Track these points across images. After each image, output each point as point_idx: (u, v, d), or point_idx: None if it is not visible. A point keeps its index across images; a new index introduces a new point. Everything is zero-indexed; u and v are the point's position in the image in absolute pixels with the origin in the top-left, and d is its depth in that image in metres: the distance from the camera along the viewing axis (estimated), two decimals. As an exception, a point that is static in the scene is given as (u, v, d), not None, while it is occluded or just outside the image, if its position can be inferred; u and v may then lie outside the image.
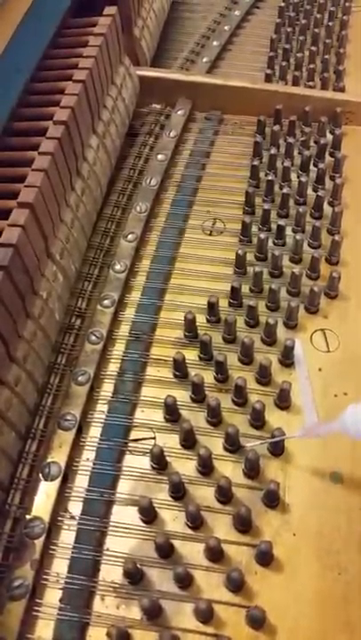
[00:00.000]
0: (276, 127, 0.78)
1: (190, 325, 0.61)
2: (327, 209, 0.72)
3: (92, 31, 0.69)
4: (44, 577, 0.48)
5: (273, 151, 0.76)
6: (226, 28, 0.99)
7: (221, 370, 0.58)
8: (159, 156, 0.78)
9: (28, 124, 0.61)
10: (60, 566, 0.49)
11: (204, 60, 0.93)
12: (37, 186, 0.52)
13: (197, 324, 0.62)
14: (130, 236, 0.69)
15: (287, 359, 0.60)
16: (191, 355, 0.60)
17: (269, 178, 0.73)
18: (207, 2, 1.06)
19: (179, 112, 0.83)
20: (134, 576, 0.48)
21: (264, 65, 0.91)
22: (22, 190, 0.52)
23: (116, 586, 0.48)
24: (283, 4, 1.01)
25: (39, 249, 0.54)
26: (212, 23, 1.01)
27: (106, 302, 0.64)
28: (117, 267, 0.67)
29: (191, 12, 1.04)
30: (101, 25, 0.69)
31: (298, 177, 0.74)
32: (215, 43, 0.96)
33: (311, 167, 0.76)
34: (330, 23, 0.97)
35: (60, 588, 0.48)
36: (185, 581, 0.47)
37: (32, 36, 0.66)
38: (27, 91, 0.64)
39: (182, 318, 0.61)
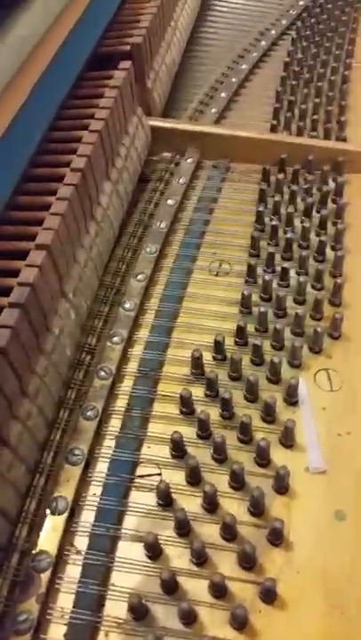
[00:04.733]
0: (281, 175, 0.82)
1: (197, 363, 0.63)
2: (330, 253, 0.74)
3: (108, 83, 0.73)
4: (49, 611, 0.48)
5: (277, 198, 0.79)
6: (233, 80, 1.03)
7: (227, 407, 0.59)
8: (169, 201, 0.81)
9: (46, 170, 0.64)
10: (65, 601, 0.49)
11: (213, 110, 0.97)
12: (54, 229, 0.55)
13: (204, 361, 0.63)
14: (140, 276, 0.72)
15: (292, 398, 0.61)
16: (198, 392, 0.62)
17: (274, 223, 0.76)
18: (216, 56, 1.10)
19: (188, 160, 0.87)
20: (139, 612, 0.48)
21: (270, 116, 0.95)
22: (40, 233, 0.55)
23: (121, 621, 0.48)
24: (288, 59, 1.05)
25: (54, 288, 0.57)
26: (220, 76, 1.05)
27: (115, 339, 0.65)
28: (127, 305, 0.69)
29: (201, 64, 1.09)
30: (117, 78, 0.73)
31: (301, 222, 0.77)
32: (223, 94, 1.00)
33: (314, 213, 0.79)
34: (332, 77, 1.01)
35: (65, 624, 0.48)
36: (189, 618, 0.47)
37: (52, 87, 0.70)
38: (46, 139, 0.67)
39: (189, 356, 0.63)
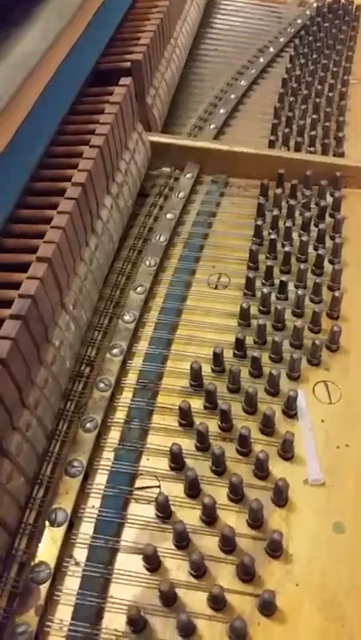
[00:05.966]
0: (279, 190, 0.83)
1: (196, 375, 0.63)
2: (328, 266, 0.75)
3: (109, 100, 0.74)
4: (48, 623, 0.48)
5: (276, 212, 0.80)
6: (232, 96, 1.05)
7: (226, 419, 0.60)
8: (168, 215, 0.82)
9: (47, 184, 0.65)
10: (63, 613, 0.49)
11: (212, 126, 0.98)
12: (55, 242, 0.56)
13: (203, 373, 0.64)
14: (139, 289, 0.72)
15: (290, 410, 0.61)
16: (196, 404, 0.62)
17: (272, 237, 0.77)
18: (215, 72, 1.12)
19: (187, 175, 0.88)
20: (137, 624, 0.48)
21: (268, 131, 0.96)
22: (41, 246, 0.56)
23: (120, 634, 0.48)
24: (286, 76, 1.07)
25: (54, 300, 0.57)
26: (219, 92, 1.07)
27: (115, 351, 0.66)
28: (127, 317, 0.69)
29: (200, 81, 1.10)
30: (117, 94, 0.75)
31: (299, 236, 0.78)
32: (222, 110, 1.01)
33: (312, 227, 0.80)
34: (330, 94, 1.02)
35: (64, 636, 0.48)
36: (188, 630, 0.47)
37: (53, 103, 0.71)
38: (47, 153, 0.68)
39: (188, 368, 0.63)
